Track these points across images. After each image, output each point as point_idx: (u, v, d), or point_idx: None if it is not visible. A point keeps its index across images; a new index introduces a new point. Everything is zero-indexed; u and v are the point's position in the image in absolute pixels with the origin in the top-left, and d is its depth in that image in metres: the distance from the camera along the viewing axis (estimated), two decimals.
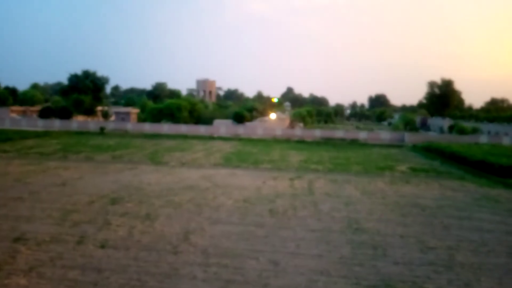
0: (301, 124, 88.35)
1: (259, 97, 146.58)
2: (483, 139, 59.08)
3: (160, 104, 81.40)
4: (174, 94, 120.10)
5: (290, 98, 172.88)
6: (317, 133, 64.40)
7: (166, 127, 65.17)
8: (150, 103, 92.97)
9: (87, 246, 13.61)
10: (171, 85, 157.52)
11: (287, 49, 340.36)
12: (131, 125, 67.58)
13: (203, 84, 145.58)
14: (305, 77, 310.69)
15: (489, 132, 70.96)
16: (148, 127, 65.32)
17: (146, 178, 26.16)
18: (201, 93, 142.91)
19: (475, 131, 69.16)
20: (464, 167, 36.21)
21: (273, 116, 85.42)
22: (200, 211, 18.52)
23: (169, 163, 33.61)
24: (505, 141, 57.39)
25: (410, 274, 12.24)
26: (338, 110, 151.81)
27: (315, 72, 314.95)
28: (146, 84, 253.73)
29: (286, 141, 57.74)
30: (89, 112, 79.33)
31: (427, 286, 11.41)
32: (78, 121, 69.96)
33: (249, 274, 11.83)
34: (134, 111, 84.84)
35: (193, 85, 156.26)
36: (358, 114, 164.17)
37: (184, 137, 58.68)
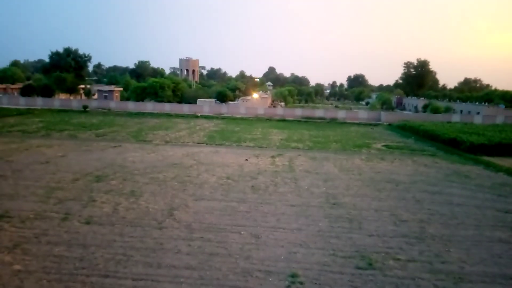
0: (283, 103, 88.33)
1: (242, 76, 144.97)
2: (455, 118, 60.36)
3: (144, 83, 79.73)
4: (157, 72, 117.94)
5: (272, 77, 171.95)
6: (298, 112, 64.55)
7: (149, 106, 64.17)
8: (133, 82, 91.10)
9: (72, 223, 13.50)
10: (154, 63, 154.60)
11: (270, 29, 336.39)
12: (114, 104, 66.23)
13: (186, 63, 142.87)
14: (286, 57, 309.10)
15: (461, 111, 72.36)
16: (132, 106, 64.18)
17: (130, 156, 25.88)
18: (184, 72, 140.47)
19: (448, 110, 70.54)
20: (437, 144, 37.08)
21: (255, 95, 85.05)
22: (184, 187, 18.52)
23: (153, 141, 33.27)
24: (477, 120, 58.83)
25: (384, 245, 12.63)
26: (318, 89, 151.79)
27: (296, 52, 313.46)
28: (129, 62, 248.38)
29: (268, 120, 57.77)
30: (72, 90, 77.15)
31: (399, 257, 11.81)
32: (61, 99, 68.12)
33: (231, 247, 11.99)
34: (117, 89, 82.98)
35: (176, 64, 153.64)
36: (337, 93, 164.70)
37: (168, 115, 58.01)
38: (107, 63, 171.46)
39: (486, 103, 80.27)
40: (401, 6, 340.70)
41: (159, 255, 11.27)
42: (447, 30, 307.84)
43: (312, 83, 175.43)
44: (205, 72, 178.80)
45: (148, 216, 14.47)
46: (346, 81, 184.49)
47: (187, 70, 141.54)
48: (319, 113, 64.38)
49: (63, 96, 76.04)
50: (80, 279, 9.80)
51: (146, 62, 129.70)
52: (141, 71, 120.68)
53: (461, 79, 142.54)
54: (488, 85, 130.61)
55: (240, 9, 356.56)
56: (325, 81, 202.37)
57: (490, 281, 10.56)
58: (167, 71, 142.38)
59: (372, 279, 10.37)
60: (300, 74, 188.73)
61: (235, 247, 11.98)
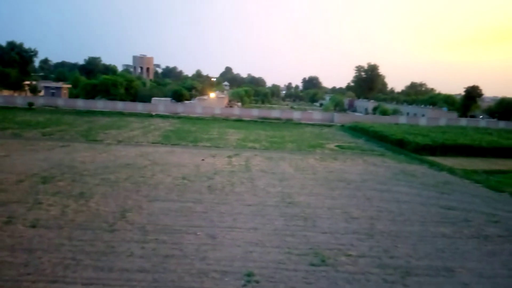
0: (239, 104, 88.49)
1: (198, 75, 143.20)
2: (402, 119, 63.45)
3: (94, 80, 76.44)
4: (109, 69, 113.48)
5: (229, 77, 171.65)
6: (255, 112, 64.94)
7: (101, 104, 61.77)
8: (83, 79, 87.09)
9: (16, 226, 12.69)
10: (106, 60, 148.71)
11: (227, 28, 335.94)
12: (62, 101, 63.13)
13: (140, 60, 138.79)
14: (243, 58, 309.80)
15: (408, 113, 76.21)
16: (82, 104, 61.49)
17: (79, 156, 24.77)
18: (138, 70, 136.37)
19: (395, 112, 74.03)
20: (385, 144, 38.81)
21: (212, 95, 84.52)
22: (138, 188, 18.02)
23: (104, 141, 32.08)
24: (422, 121, 62.19)
25: (336, 242, 13.04)
26: (275, 90, 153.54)
27: (253, 53, 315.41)
28: (79, 58, 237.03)
29: (224, 120, 57.61)
30: (16, 86, 72.37)
31: (350, 253, 12.23)
32: (3, 96, 63.82)
33: (187, 248, 11.84)
34: (65, 86, 79.05)
35: (129, 61, 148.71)
36: (293, 95, 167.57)
37: (121, 114, 56.19)
38: (54, 59, 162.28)
39: (431, 106, 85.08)
40: (352, 12, 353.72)
41: (111, 258, 10.88)
42: (395, 36, 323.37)
43: (269, 84, 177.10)
44: (160, 70, 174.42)
45: (99, 218, 13.93)
46: (301, 82, 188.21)
47: (141, 68, 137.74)
48: (275, 113, 65.15)
49: (6, 92, 71.17)
50: (25, 285, 9.24)
51: (97, 58, 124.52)
52: (92, 67, 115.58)
53: (408, 83, 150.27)
54: (432, 89, 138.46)
55: (197, 7, 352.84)
56: (281, 82, 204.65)
57: (434, 274, 11.21)
58: (120, 68, 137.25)
59: (325, 275, 10.66)
60: (256, 74, 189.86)
61: (190, 248, 11.84)
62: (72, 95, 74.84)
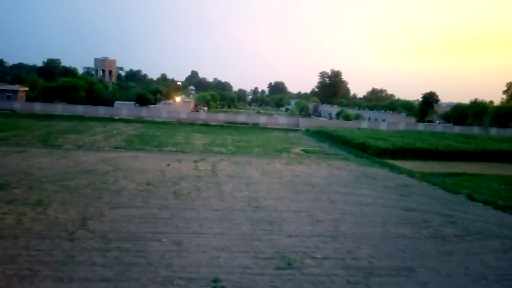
0: (206, 108, 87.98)
1: (163, 79, 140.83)
2: (364, 124, 65.39)
3: (53, 83, 73.54)
4: (69, 72, 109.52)
5: (195, 81, 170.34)
6: (221, 117, 64.77)
7: (60, 108, 59.46)
8: (42, 81, 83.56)
9: None
10: (66, 62, 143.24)
11: (192, 33, 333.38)
12: (19, 105, 60.25)
13: (102, 62, 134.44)
14: (209, 62, 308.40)
15: (369, 118, 78.69)
16: (39, 107, 58.92)
17: (37, 162, 23.66)
18: (100, 73, 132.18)
19: (358, 117, 76.31)
20: (348, 148, 39.80)
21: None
22: (99, 195, 17.43)
23: (63, 146, 30.84)
24: (382, 126, 64.35)
25: (302, 245, 13.18)
26: (241, 95, 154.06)
27: (219, 57, 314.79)
28: (37, 60, 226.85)
29: (190, 124, 57.01)
30: None
31: (315, 255, 12.40)
32: None
33: (152, 256, 11.56)
34: (22, 89, 75.43)
35: (90, 64, 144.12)
36: (259, 99, 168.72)
37: (81, 118, 54.31)
38: (11, 60, 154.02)
39: (390, 111, 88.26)
40: (316, 18, 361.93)
41: (71, 268, 10.44)
42: (357, 43, 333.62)
43: (235, 88, 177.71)
44: (123, 74, 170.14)
45: (58, 227, 13.34)
46: (267, 87, 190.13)
47: (103, 71, 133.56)
48: (241, 118, 65.28)
49: None
50: None
51: (56, 60, 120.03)
52: (51, 70, 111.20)
53: (369, 88, 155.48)
54: (392, 95, 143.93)
55: (162, 11, 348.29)
56: (247, 87, 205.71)
57: (395, 274, 11.56)
58: (81, 71, 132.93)
59: (291, 279, 10.73)
60: (223, 79, 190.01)
61: (155, 256, 11.58)
62: (30, 99, 71.46)
